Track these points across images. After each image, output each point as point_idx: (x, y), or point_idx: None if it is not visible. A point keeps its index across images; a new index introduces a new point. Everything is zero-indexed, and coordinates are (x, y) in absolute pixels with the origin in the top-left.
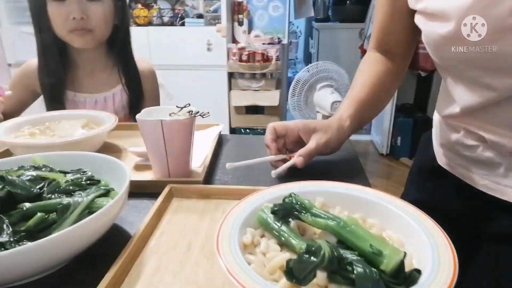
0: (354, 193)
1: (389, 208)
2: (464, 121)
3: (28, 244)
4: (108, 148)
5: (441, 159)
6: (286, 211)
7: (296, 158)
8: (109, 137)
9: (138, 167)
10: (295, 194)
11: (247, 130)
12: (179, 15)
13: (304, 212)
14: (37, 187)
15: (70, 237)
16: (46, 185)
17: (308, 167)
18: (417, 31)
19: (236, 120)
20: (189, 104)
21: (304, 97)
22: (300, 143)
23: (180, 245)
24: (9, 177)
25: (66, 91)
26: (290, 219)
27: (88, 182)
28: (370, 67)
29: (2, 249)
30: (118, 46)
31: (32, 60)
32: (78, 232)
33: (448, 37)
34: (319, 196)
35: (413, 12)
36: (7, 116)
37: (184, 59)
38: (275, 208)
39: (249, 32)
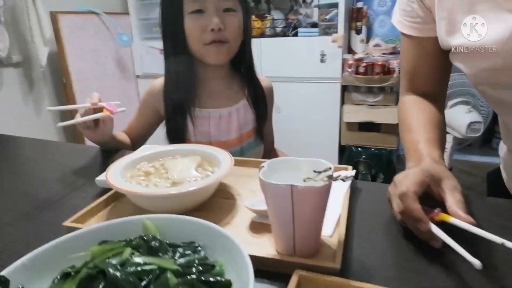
0: None
1: None
2: None
3: None
4: (220, 192)
5: None
6: None
7: (464, 217)
8: None
9: (254, 226)
10: None
11: (359, 149)
12: (292, 25)
13: None
14: (142, 284)
15: None
16: (152, 279)
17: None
18: (447, 69)
19: (347, 137)
20: (330, 168)
21: None
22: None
23: None
24: (111, 271)
25: (192, 107)
26: None
27: (201, 268)
28: (419, 107)
29: None
30: (244, 62)
31: (156, 80)
32: None
33: (495, 69)
34: None
35: (441, 52)
36: (136, 138)
37: (295, 71)
38: None
39: (368, 41)
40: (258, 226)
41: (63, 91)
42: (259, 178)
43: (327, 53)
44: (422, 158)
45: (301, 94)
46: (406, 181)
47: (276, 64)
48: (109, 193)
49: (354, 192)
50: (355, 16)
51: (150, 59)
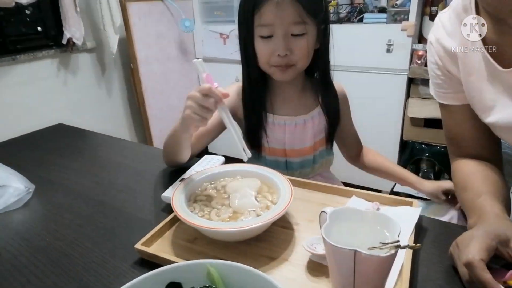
0: None
1: None
2: None
3: None
4: (281, 220)
5: None
6: None
7: None
8: None
9: (312, 266)
10: None
11: (423, 145)
12: (358, 9)
13: None
14: None
15: None
16: None
17: None
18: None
19: (410, 133)
20: (398, 240)
21: None
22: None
23: None
24: None
25: (266, 114)
26: None
27: None
28: (473, 166)
29: None
30: (319, 71)
31: (234, 84)
32: None
33: None
34: None
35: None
36: (207, 133)
37: (358, 61)
38: None
39: None
40: (316, 267)
41: (131, 75)
42: (323, 239)
43: (395, 42)
44: (483, 214)
45: (363, 85)
46: (471, 247)
47: (337, 52)
48: (174, 213)
49: (419, 233)
50: (431, 0)
51: (210, 42)
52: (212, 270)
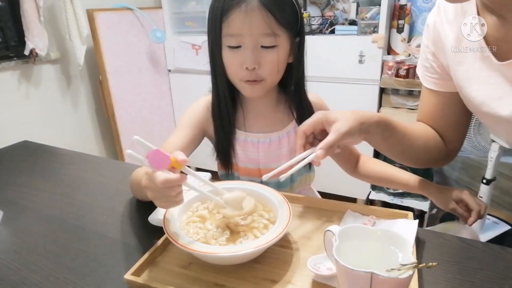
0: None
1: None
2: None
3: None
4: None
5: None
6: None
7: (318, 151)
8: None
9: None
10: None
11: None
12: (329, 21)
13: None
14: None
15: None
16: None
17: None
18: (463, 125)
19: None
20: (416, 262)
21: (476, 122)
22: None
23: None
24: None
25: (236, 130)
26: None
27: None
28: (421, 125)
29: None
30: (292, 85)
31: (201, 99)
32: None
33: None
34: None
35: (458, 109)
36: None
37: (331, 72)
38: None
39: (409, 40)
40: None
41: (99, 86)
42: (336, 263)
43: (366, 53)
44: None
45: (337, 95)
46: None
47: (310, 64)
48: (164, 237)
49: (417, 247)
50: (398, 14)
51: (182, 53)
52: None
